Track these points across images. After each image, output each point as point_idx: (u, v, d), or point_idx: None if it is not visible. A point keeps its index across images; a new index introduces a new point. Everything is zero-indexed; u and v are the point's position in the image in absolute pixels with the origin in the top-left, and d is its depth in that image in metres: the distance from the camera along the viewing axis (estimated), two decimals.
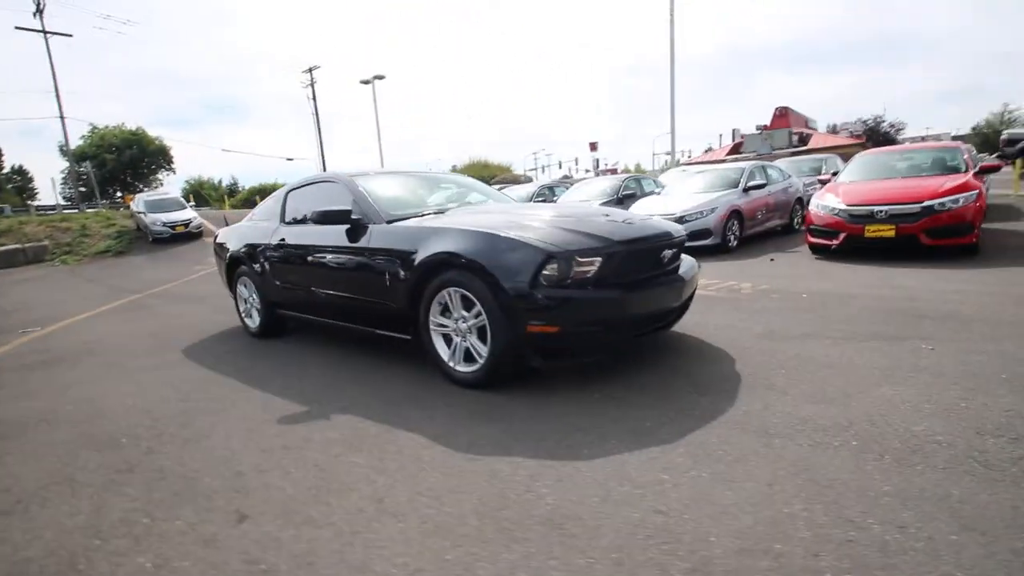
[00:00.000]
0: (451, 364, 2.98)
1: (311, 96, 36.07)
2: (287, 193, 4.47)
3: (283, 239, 4.15)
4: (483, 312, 2.73)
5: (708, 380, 2.74)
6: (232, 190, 52.80)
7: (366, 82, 27.87)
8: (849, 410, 2.26)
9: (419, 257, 2.99)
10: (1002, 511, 1.53)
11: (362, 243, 3.45)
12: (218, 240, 5.30)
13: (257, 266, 4.44)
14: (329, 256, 3.74)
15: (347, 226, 3.54)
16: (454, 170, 37.11)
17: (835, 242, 6.34)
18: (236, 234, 4.94)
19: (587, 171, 53.34)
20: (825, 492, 1.68)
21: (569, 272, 2.62)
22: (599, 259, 2.66)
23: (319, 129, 36.07)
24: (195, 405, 3.04)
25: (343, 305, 3.68)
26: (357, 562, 1.55)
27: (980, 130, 43.33)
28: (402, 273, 3.13)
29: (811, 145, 29.32)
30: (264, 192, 36.33)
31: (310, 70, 36.25)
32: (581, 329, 2.64)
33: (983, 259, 5.52)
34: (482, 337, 2.82)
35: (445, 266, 2.89)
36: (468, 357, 2.93)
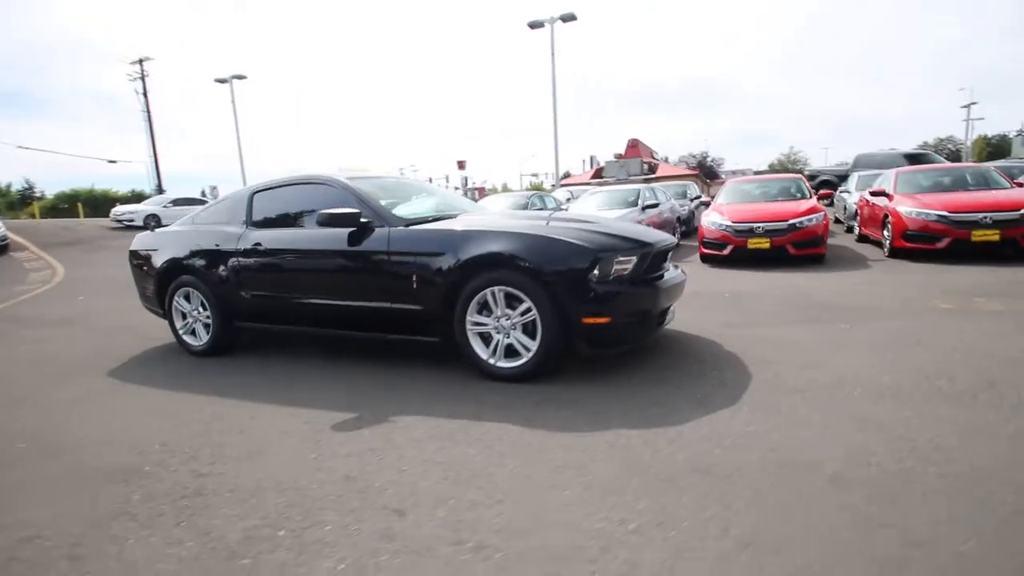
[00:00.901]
0: (491, 361, 3.09)
1: (141, 91, 31.52)
2: (253, 194, 4.10)
3: (258, 243, 3.81)
4: (534, 308, 2.92)
5: (716, 360, 3.26)
6: (26, 196, 43.30)
7: (222, 81, 25.15)
8: (833, 371, 2.91)
9: (462, 258, 3.06)
10: (992, 411, 2.22)
11: (376, 246, 3.38)
12: (137, 248, 4.60)
13: (215, 274, 3.99)
14: (332, 261, 3.57)
15: (351, 229, 3.44)
16: None
17: (725, 252, 7.61)
18: (172, 239, 4.36)
19: (456, 188, 54.62)
20: (869, 423, 2.23)
21: (611, 270, 2.94)
22: (634, 259, 3.04)
23: (151, 130, 31.54)
24: (204, 427, 2.71)
25: (350, 311, 3.52)
26: (561, 522, 1.67)
27: (775, 167, 53.67)
28: (434, 275, 3.16)
29: (659, 174, 33.80)
30: (79, 198, 30.42)
31: (140, 62, 31.68)
32: (626, 320, 2.97)
33: (831, 265, 7.11)
34: (527, 332, 3.00)
35: (490, 266, 3.02)
36: (509, 353, 3.07)
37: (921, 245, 6.87)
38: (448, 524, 1.70)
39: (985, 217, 6.41)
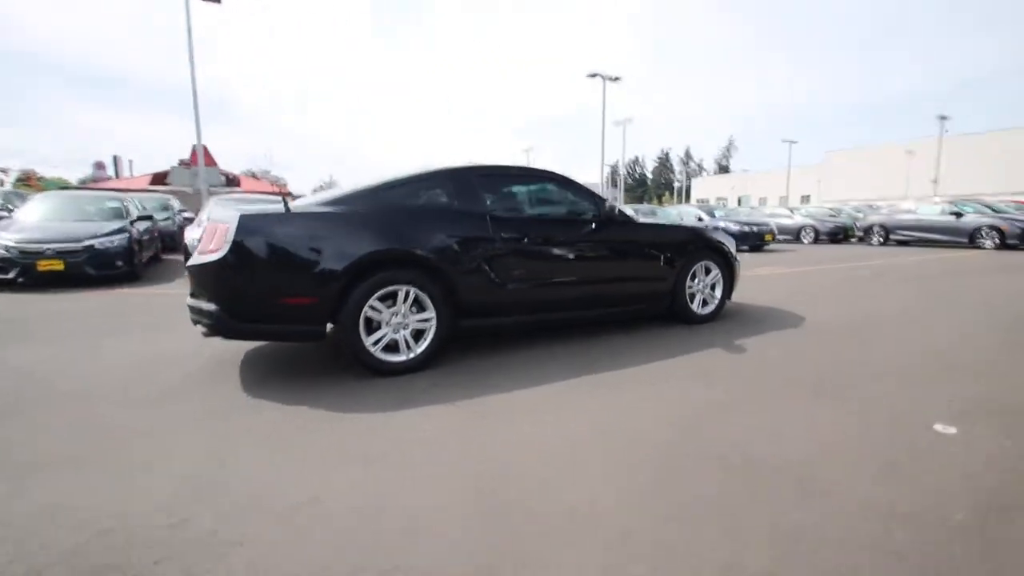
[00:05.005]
0: (698, 311, 4.68)
1: None
2: (478, 178, 3.68)
3: (523, 230, 3.70)
4: (720, 274, 4.79)
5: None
6: None
7: None
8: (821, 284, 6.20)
9: (695, 244, 4.53)
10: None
11: (635, 236, 4.27)
12: (266, 235, 2.96)
13: (461, 266, 3.44)
14: (598, 248, 4.07)
15: (598, 220, 4.12)
16: None
17: None
18: (358, 225, 3.22)
19: None
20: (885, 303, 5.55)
21: None
22: None
23: None
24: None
25: (608, 293, 4.14)
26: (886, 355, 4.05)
27: (318, 191, 58.70)
28: (678, 258, 4.45)
29: (243, 188, 31.13)
30: None
31: None
32: None
33: None
34: (712, 289, 4.81)
35: (704, 249, 4.64)
36: (703, 304, 4.76)
37: None
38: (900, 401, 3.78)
39: None
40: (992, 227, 12.56)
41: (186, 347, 3.92)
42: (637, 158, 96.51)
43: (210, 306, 2.93)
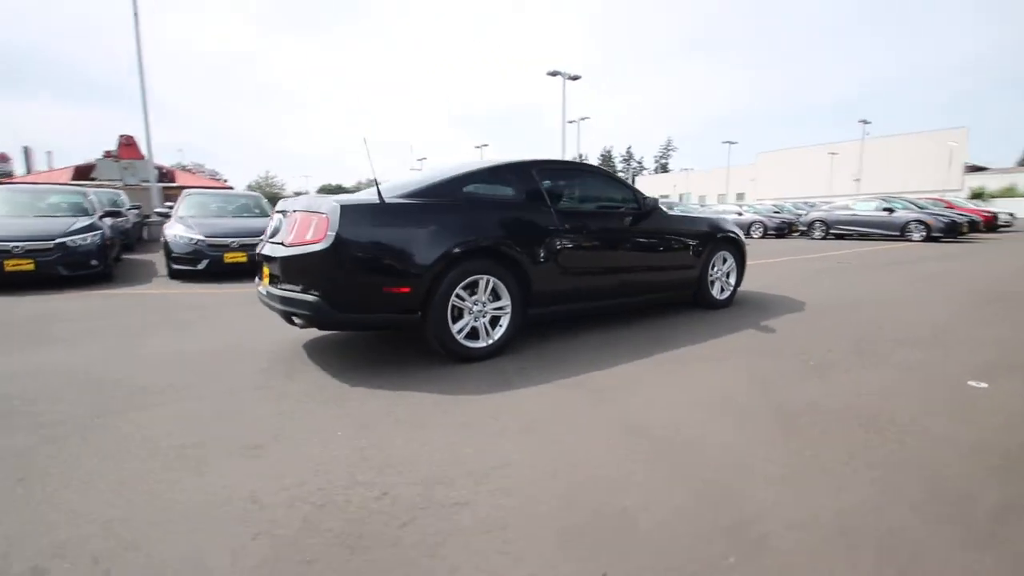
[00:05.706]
0: (717, 297, 5.10)
1: None
2: (541, 172, 3.85)
3: (581, 223, 3.90)
4: (734, 263, 5.23)
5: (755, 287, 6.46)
6: None
7: None
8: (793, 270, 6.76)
9: (717, 233, 4.91)
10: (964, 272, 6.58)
11: (671, 227, 4.59)
12: (374, 230, 3.07)
13: (530, 255, 3.62)
14: (646, 238, 4.35)
15: (637, 212, 4.43)
16: None
17: None
18: (439, 216, 3.32)
19: None
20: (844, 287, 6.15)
21: None
22: None
23: None
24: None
25: (650, 280, 4.44)
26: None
27: (254, 187, 56.45)
28: (704, 247, 4.83)
29: (179, 182, 29.13)
30: None
31: None
32: None
33: None
34: (728, 276, 5.24)
35: (723, 240, 5.04)
36: (720, 291, 5.18)
37: None
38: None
39: None
40: (919, 221, 14.12)
41: (226, 342, 3.88)
42: (581, 155, 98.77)
43: (309, 297, 2.95)
